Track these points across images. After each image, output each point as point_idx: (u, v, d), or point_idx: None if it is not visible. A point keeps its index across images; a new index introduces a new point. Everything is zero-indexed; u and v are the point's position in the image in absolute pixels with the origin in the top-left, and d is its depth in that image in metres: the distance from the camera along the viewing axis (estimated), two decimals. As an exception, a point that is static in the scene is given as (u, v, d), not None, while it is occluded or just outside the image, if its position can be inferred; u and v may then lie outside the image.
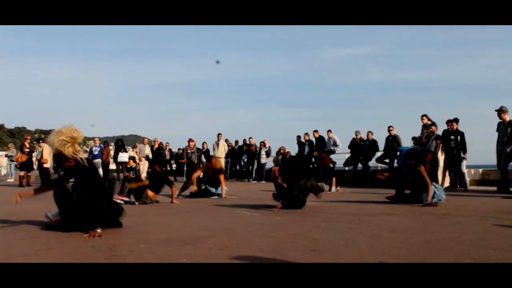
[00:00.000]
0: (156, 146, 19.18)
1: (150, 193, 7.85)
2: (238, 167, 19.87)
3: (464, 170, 11.53)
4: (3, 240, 4.10)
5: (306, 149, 16.16)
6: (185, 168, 17.98)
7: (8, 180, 19.37)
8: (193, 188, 9.39)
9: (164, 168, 15.38)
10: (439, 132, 11.67)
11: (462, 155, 11.27)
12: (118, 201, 7.47)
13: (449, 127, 11.45)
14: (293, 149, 16.80)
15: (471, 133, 12.90)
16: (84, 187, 4.44)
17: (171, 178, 18.85)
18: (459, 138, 11.27)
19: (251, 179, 17.94)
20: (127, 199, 7.80)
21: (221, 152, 18.03)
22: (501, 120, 10.31)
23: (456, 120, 11.44)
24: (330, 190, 11.19)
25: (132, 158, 16.50)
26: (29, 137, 16.17)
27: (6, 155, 21.74)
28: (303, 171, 6.93)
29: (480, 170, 14.02)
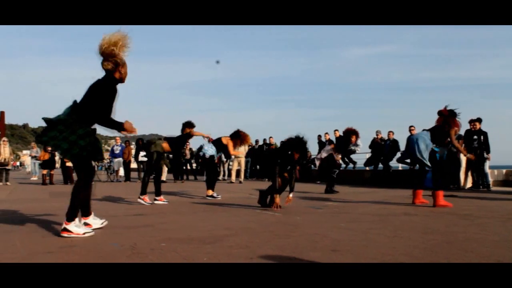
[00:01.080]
0: (176, 145, 19.24)
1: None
2: (258, 166, 19.85)
3: (487, 170, 11.36)
4: (27, 237, 4.17)
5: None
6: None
7: (32, 179, 19.76)
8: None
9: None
10: (462, 132, 11.49)
11: (485, 155, 11.11)
12: (143, 202, 7.44)
13: (471, 127, 11.29)
14: (314, 149, 16.74)
15: (495, 133, 12.67)
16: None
17: (192, 178, 19.26)
18: (482, 138, 11.10)
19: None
20: (149, 202, 7.60)
21: (241, 152, 18.03)
22: (525, 120, 10.11)
23: (479, 120, 11.28)
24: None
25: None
26: None
27: (30, 155, 22.12)
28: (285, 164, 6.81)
29: (504, 170, 13.80)
